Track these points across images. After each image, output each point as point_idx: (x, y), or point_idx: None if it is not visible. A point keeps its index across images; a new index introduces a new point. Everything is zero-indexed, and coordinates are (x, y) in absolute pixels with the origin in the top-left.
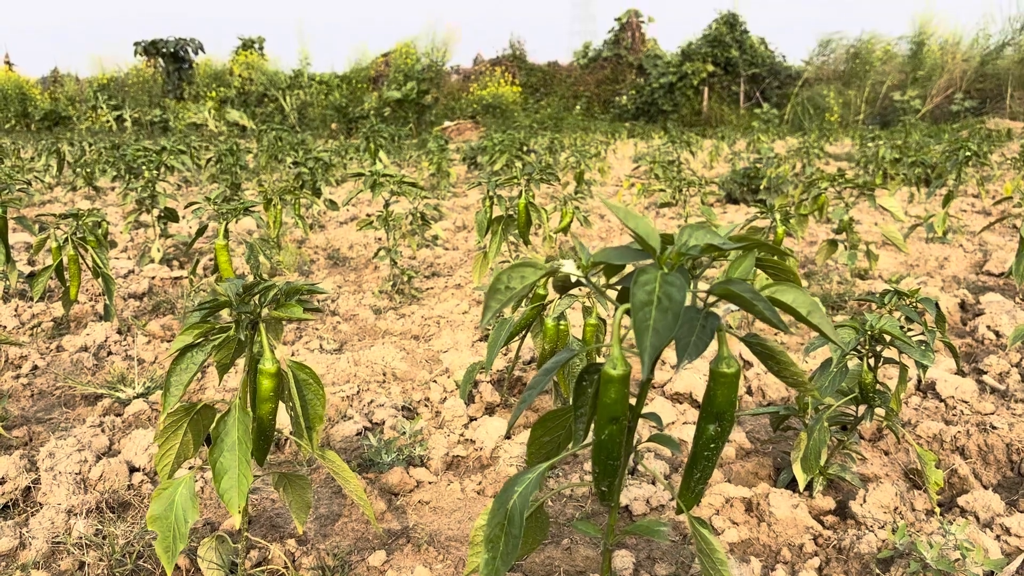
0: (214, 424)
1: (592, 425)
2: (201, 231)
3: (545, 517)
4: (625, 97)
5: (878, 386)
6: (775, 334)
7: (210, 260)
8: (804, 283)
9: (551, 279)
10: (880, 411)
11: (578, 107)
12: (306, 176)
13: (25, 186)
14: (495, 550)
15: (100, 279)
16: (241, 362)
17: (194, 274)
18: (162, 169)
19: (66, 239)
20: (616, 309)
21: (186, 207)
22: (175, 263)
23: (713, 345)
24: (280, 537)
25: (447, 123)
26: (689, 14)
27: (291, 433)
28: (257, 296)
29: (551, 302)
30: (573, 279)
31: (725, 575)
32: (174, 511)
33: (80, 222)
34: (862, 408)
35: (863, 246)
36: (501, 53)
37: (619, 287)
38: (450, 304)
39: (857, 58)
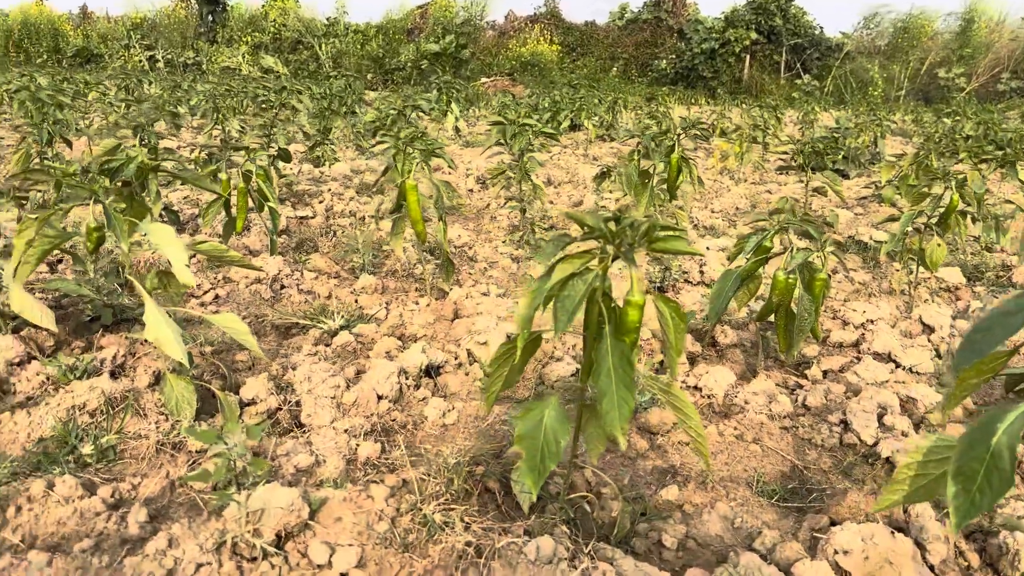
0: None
1: None
2: (387, 170)
3: None
4: (664, 61)
5: None
6: None
7: (332, 199)
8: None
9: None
10: None
11: (615, 69)
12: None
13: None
14: (970, 485)
15: (268, 212)
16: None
17: (378, 213)
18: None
19: (243, 170)
20: None
21: (372, 145)
22: (291, 202)
23: None
24: (577, 468)
25: (484, 79)
26: None
27: None
28: (629, 228)
29: (775, 255)
30: None
31: None
32: (543, 430)
33: (251, 155)
34: None
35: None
36: (537, 10)
37: None
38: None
39: (906, 32)
